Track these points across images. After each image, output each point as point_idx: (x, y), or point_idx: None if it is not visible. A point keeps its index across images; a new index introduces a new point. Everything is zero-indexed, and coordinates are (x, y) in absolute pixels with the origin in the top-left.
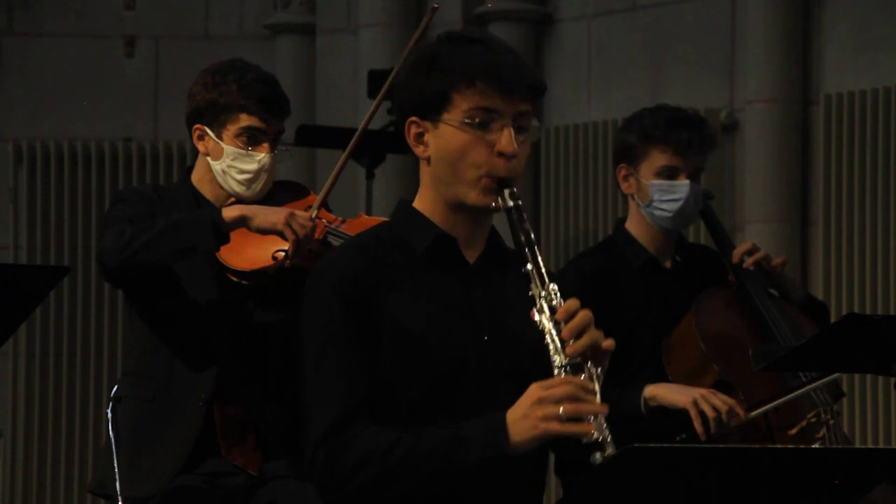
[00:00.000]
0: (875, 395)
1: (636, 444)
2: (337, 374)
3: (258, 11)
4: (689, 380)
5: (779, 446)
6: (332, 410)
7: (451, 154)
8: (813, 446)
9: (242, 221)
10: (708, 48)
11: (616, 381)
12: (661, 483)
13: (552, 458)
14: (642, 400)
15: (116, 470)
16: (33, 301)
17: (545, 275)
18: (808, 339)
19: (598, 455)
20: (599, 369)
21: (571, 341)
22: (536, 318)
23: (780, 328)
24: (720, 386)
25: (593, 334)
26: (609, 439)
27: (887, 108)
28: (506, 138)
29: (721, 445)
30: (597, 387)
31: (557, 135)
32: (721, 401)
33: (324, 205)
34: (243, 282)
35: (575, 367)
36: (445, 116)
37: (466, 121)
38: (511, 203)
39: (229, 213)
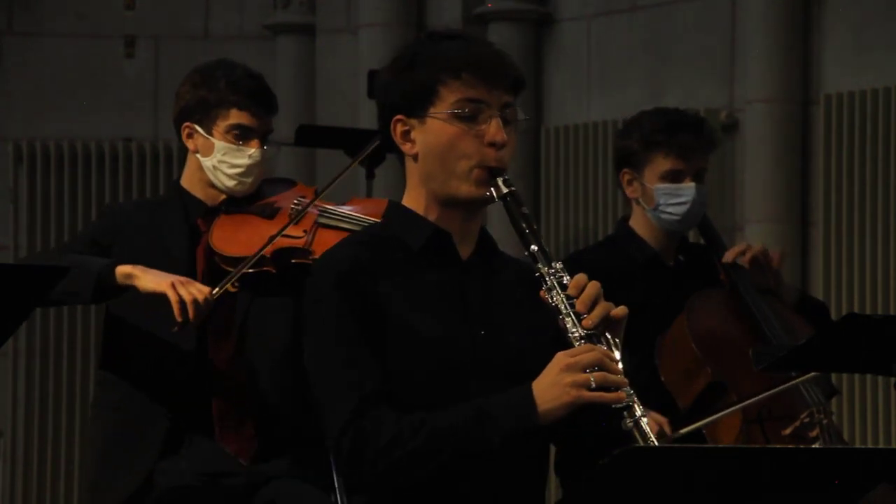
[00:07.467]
0: (875, 395)
1: (636, 445)
2: (348, 364)
3: (258, 11)
4: (683, 380)
5: (778, 446)
6: (351, 400)
7: (440, 147)
8: (813, 446)
9: (130, 278)
10: (708, 48)
11: None
12: (661, 483)
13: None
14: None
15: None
16: (33, 301)
17: (549, 254)
18: (809, 338)
19: (628, 420)
20: (617, 339)
21: (586, 314)
22: (547, 295)
23: (773, 328)
24: (714, 386)
25: (605, 304)
26: (636, 402)
27: (887, 108)
28: (494, 127)
29: (721, 446)
30: (618, 354)
31: (557, 135)
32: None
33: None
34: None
35: (593, 338)
36: (432, 110)
37: (455, 111)
38: (505, 190)
39: (123, 269)
